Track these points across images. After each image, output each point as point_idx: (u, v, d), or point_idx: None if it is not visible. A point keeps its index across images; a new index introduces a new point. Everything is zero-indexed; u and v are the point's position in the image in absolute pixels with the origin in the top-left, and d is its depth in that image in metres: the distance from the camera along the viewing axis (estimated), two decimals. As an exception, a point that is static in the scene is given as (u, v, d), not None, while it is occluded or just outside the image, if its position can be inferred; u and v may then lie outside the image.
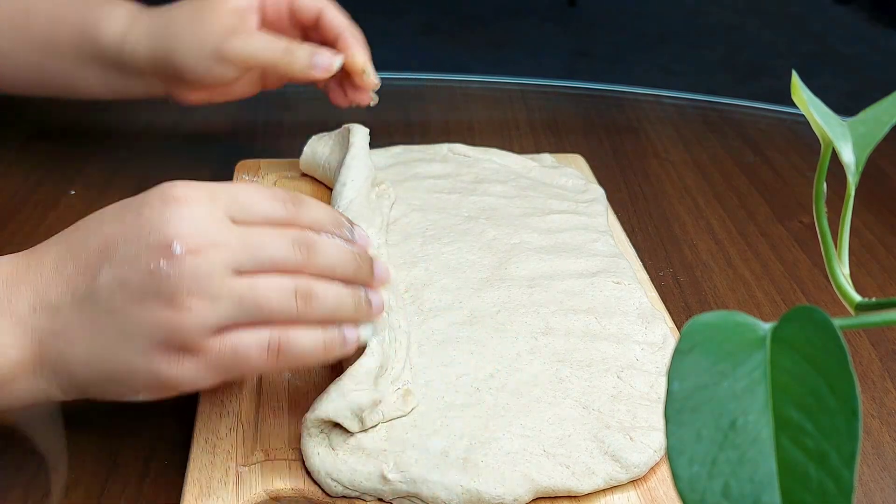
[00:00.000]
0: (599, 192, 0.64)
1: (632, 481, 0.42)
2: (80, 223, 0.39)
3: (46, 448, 0.46)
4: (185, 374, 0.37)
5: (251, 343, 0.37)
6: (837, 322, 0.23)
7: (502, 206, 0.60)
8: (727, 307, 0.58)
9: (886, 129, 0.31)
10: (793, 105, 0.32)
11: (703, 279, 0.61)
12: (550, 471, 0.41)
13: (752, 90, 0.96)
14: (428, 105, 0.86)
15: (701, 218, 0.69)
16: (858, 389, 0.21)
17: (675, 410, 0.22)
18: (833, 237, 0.30)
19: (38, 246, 0.40)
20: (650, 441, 0.42)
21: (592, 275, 0.53)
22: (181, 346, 0.36)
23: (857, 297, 0.28)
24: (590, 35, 2.61)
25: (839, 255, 0.29)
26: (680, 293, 0.59)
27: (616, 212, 0.65)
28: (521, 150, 0.69)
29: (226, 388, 0.47)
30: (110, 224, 0.38)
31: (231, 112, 0.87)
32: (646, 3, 2.89)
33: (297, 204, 0.40)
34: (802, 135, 0.83)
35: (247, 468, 0.42)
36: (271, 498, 0.41)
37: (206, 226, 0.37)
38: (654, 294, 0.55)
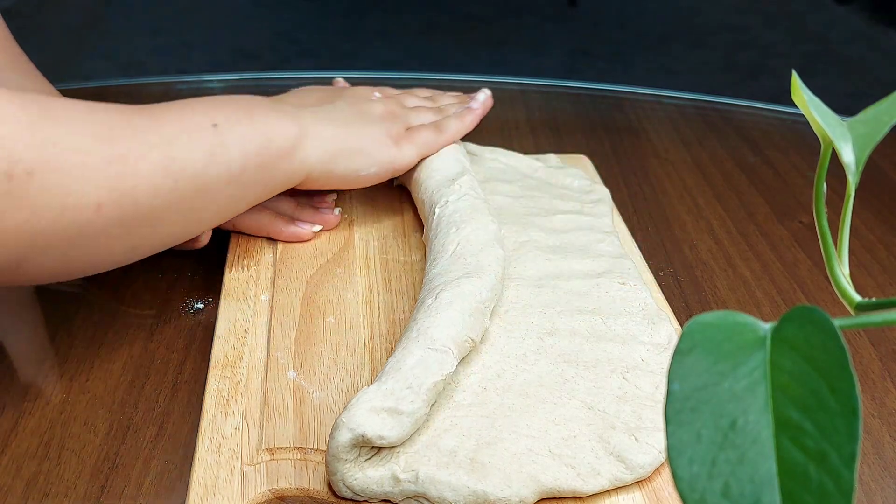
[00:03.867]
0: (605, 193, 0.64)
1: (637, 482, 0.42)
2: (292, 92, 0.63)
3: (47, 447, 0.46)
4: (404, 150, 0.59)
5: (428, 128, 0.62)
6: (837, 322, 0.23)
7: (508, 206, 0.60)
8: (727, 307, 0.58)
9: (886, 129, 0.31)
10: (793, 105, 0.32)
11: (703, 279, 0.61)
12: (556, 472, 0.41)
13: (752, 90, 0.96)
14: (428, 105, 0.86)
15: (701, 218, 0.69)
16: (859, 389, 0.21)
17: (675, 411, 0.22)
18: (833, 237, 0.30)
19: (267, 98, 0.57)
20: (655, 442, 0.42)
21: (598, 275, 0.54)
22: (397, 136, 0.59)
23: (857, 297, 0.28)
24: (590, 35, 2.62)
25: (839, 255, 0.29)
26: (680, 293, 0.59)
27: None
28: (522, 150, 0.69)
29: (231, 388, 0.47)
30: (319, 93, 0.63)
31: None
32: (646, 3, 2.89)
33: (435, 98, 0.69)
34: (802, 135, 0.83)
35: (252, 468, 0.42)
36: (276, 497, 0.41)
37: (381, 94, 0.66)
38: (659, 295, 0.55)
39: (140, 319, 0.55)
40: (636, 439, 0.42)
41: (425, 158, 0.61)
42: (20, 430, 0.47)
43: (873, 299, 0.27)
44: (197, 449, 0.43)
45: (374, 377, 0.47)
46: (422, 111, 0.64)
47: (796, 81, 0.31)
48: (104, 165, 0.44)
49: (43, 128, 0.42)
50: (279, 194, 0.62)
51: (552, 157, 0.69)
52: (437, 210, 0.56)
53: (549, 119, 0.85)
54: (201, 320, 0.55)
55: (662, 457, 0.42)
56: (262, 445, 0.43)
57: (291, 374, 0.48)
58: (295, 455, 0.43)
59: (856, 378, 0.21)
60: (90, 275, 0.50)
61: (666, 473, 0.42)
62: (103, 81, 0.93)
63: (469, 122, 0.64)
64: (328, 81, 0.94)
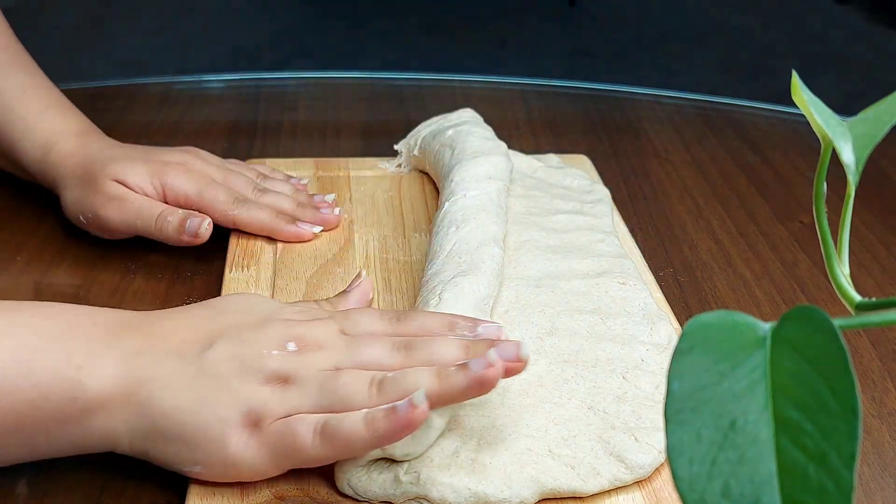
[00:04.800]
0: (605, 193, 0.64)
1: (637, 482, 0.42)
2: (209, 302, 0.44)
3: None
4: (249, 451, 0.39)
5: (302, 425, 0.39)
6: (837, 322, 0.23)
7: (509, 205, 0.60)
8: (727, 307, 0.58)
9: (886, 129, 0.31)
10: (793, 105, 0.32)
11: (703, 279, 0.61)
12: (556, 472, 0.41)
13: (752, 90, 0.96)
14: (428, 105, 0.86)
15: (701, 218, 0.69)
16: (858, 389, 0.21)
17: (674, 410, 0.22)
18: (833, 237, 0.30)
19: (164, 311, 0.44)
20: (655, 442, 0.42)
21: (598, 275, 0.54)
22: (256, 422, 0.39)
23: (857, 297, 0.28)
24: (590, 35, 2.61)
25: (839, 255, 0.29)
26: (680, 293, 0.59)
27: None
28: (522, 150, 0.69)
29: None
30: (238, 314, 0.43)
31: (231, 112, 0.87)
32: (646, 3, 2.89)
33: (403, 319, 0.44)
34: (802, 135, 0.83)
35: (248, 468, 0.42)
36: (276, 497, 0.41)
37: (321, 335, 0.42)
38: (659, 295, 0.55)
39: (140, 319, 0.55)
40: (636, 439, 0.42)
41: (457, 146, 0.59)
42: (20, 430, 0.47)
43: (873, 299, 0.27)
44: (197, 449, 0.43)
45: (374, 377, 0.47)
46: (350, 380, 0.40)
47: (796, 81, 0.31)
48: None
49: None
50: (279, 192, 0.62)
51: (552, 157, 0.69)
52: (446, 205, 0.56)
53: (549, 119, 0.85)
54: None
55: (662, 457, 0.42)
56: (262, 445, 0.43)
57: (291, 373, 0.48)
58: (295, 455, 0.43)
59: (856, 378, 0.21)
60: None
61: (666, 473, 0.42)
62: (103, 81, 0.93)
63: (393, 423, 0.38)
64: (328, 81, 0.94)
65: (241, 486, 0.41)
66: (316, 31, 2.55)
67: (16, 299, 0.58)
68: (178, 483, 0.43)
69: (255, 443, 0.39)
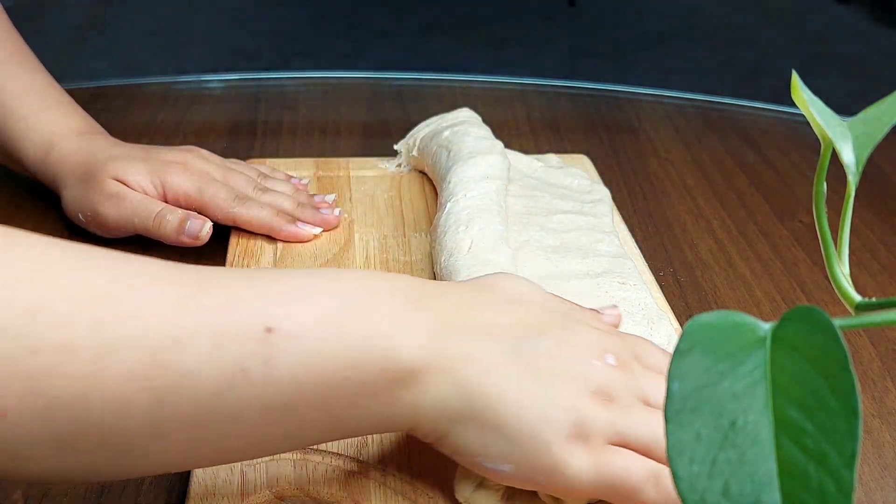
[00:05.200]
0: (605, 193, 0.64)
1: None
2: (494, 281, 0.41)
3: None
4: (575, 462, 0.36)
5: (640, 467, 0.36)
6: (837, 322, 0.23)
7: (509, 205, 0.60)
8: (727, 307, 0.58)
9: (886, 129, 0.31)
10: (793, 105, 0.32)
11: (703, 279, 0.61)
12: None
13: (752, 90, 0.96)
14: (428, 105, 0.86)
15: (701, 218, 0.69)
16: (859, 389, 0.21)
17: (675, 410, 0.22)
18: (833, 237, 0.30)
19: (452, 285, 0.42)
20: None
21: (598, 275, 0.54)
22: (585, 436, 0.36)
23: (858, 297, 0.28)
24: (590, 35, 2.62)
25: (839, 254, 0.29)
26: (680, 293, 0.59)
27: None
28: (521, 150, 0.69)
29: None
30: (540, 306, 0.40)
31: (231, 112, 0.87)
32: (646, 3, 2.89)
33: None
34: (802, 135, 0.83)
35: (252, 468, 0.42)
36: (276, 497, 0.41)
37: (628, 356, 0.39)
38: (659, 295, 0.55)
39: (140, 319, 0.55)
40: (636, 439, 0.42)
41: (455, 149, 0.58)
42: (20, 430, 0.47)
43: (873, 299, 0.27)
44: (197, 449, 0.43)
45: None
46: (647, 422, 0.37)
47: (796, 81, 0.31)
48: (25, 357, 0.29)
49: None
50: (279, 191, 0.62)
51: (552, 157, 0.69)
52: (447, 205, 0.56)
53: (549, 119, 0.85)
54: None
55: (662, 457, 0.42)
56: (262, 445, 0.43)
57: (291, 373, 0.48)
58: (295, 455, 0.43)
59: (856, 378, 0.21)
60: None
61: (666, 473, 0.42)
62: (103, 81, 0.93)
63: None
64: (328, 81, 0.94)
65: (242, 485, 0.41)
66: (316, 31, 2.55)
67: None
68: (178, 483, 0.44)
69: (587, 460, 0.36)
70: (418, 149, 0.66)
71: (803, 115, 0.32)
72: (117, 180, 0.58)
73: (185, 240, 0.58)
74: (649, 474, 0.36)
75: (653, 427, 0.37)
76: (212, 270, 0.34)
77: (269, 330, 0.32)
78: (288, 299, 0.34)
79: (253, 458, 0.39)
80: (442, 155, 0.62)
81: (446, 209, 0.55)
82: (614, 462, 0.36)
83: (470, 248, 0.51)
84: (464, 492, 0.39)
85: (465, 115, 0.68)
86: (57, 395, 0.29)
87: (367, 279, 0.37)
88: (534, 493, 0.39)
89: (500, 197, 0.57)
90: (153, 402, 0.31)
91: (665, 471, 0.36)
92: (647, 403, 0.38)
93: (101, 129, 0.64)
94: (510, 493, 0.39)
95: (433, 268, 0.55)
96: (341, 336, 0.34)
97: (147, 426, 0.31)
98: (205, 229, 0.58)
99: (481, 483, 0.39)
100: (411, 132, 0.68)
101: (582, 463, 0.36)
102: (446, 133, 0.64)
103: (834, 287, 0.29)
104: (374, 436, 0.44)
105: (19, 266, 0.30)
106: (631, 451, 0.37)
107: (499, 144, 0.63)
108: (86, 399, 0.30)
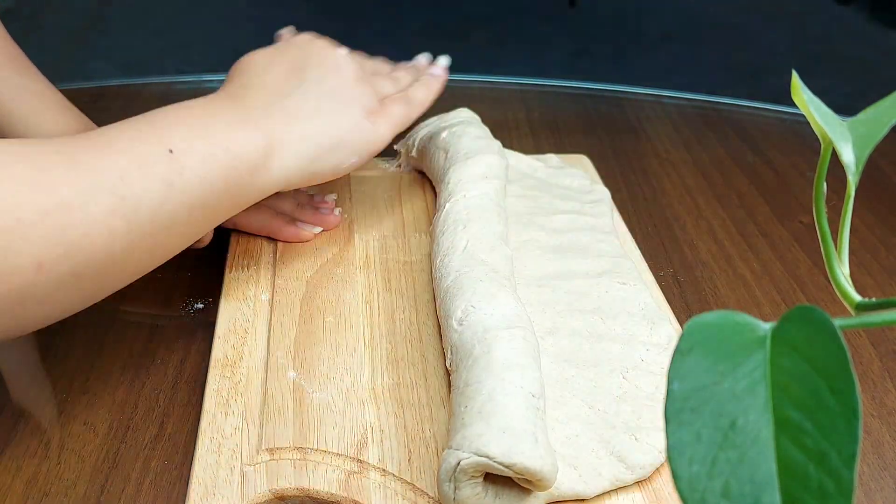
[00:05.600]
0: (605, 193, 0.64)
1: (637, 482, 0.42)
2: (256, 57, 0.55)
3: (46, 447, 0.46)
4: (379, 129, 0.54)
5: (399, 106, 0.57)
6: (838, 322, 0.23)
7: (509, 205, 0.60)
8: (727, 307, 0.58)
9: (886, 129, 0.31)
10: (793, 105, 0.32)
11: (703, 279, 0.61)
12: (561, 476, 0.41)
13: (752, 90, 0.96)
14: (428, 105, 0.86)
15: (701, 218, 0.69)
16: (859, 389, 0.21)
17: (674, 410, 0.22)
18: (833, 237, 0.30)
19: (233, 80, 0.54)
20: (655, 442, 0.42)
21: (598, 275, 0.54)
22: (371, 110, 0.54)
23: (858, 297, 0.28)
24: (590, 35, 2.61)
25: (839, 254, 0.29)
26: (680, 293, 0.59)
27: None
28: (521, 150, 0.69)
29: (231, 388, 0.47)
30: (294, 48, 0.56)
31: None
32: (646, 3, 2.89)
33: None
34: (802, 135, 0.83)
35: (252, 467, 0.42)
36: (276, 497, 0.41)
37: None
38: (659, 295, 0.55)
39: (140, 319, 0.55)
40: (636, 439, 0.42)
41: (453, 149, 0.60)
42: (20, 430, 0.47)
43: (873, 299, 0.27)
44: (197, 449, 0.43)
45: (373, 377, 0.47)
46: (382, 78, 0.59)
47: (796, 81, 0.31)
48: (39, 218, 0.39)
49: None
50: (279, 193, 0.62)
51: (552, 157, 0.69)
52: (447, 205, 0.56)
53: (549, 119, 0.85)
54: (201, 320, 0.55)
55: (662, 457, 0.42)
56: (262, 445, 0.43)
57: (291, 374, 0.48)
58: (295, 455, 0.43)
59: (856, 378, 0.21)
60: (52, 322, 0.44)
61: (666, 473, 0.42)
62: (103, 81, 0.93)
63: (435, 89, 0.62)
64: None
65: (242, 485, 0.41)
66: (316, 31, 2.55)
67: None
68: (178, 483, 0.44)
69: (381, 122, 0.55)
70: (417, 149, 0.66)
71: (803, 115, 0.32)
72: None
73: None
74: (403, 102, 0.57)
75: (392, 81, 0.60)
76: (101, 129, 0.45)
77: (170, 151, 0.45)
78: (169, 128, 0.46)
79: (186, 247, 0.49)
80: (440, 156, 0.62)
81: (445, 209, 0.55)
82: (391, 110, 0.56)
83: (465, 248, 0.51)
84: (447, 492, 0.39)
85: (464, 115, 0.68)
86: (70, 239, 0.40)
87: (182, 114, 0.48)
88: (511, 480, 0.39)
89: (499, 196, 0.57)
90: (126, 225, 0.42)
91: (407, 91, 0.59)
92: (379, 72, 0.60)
93: None
94: (491, 479, 0.39)
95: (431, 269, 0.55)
96: (215, 141, 0.47)
97: (127, 245, 0.43)
98: (206, 235, 0.58)
99: (463, 477, 0.39)
100: (411, 132, 0.68)
101: (381, 126, 0.55)
102: (444, 134, 0.64)
103: (834, 287, 0.29)
104: (374, 436, 0.44)
105: (18, 167, 0.40)
106: (390, 98, 0.57)
107: (496, 144, 0.62)
108: (88, 237, 0.41)
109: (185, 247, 0.49)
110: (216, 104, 0.50)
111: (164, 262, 0.48)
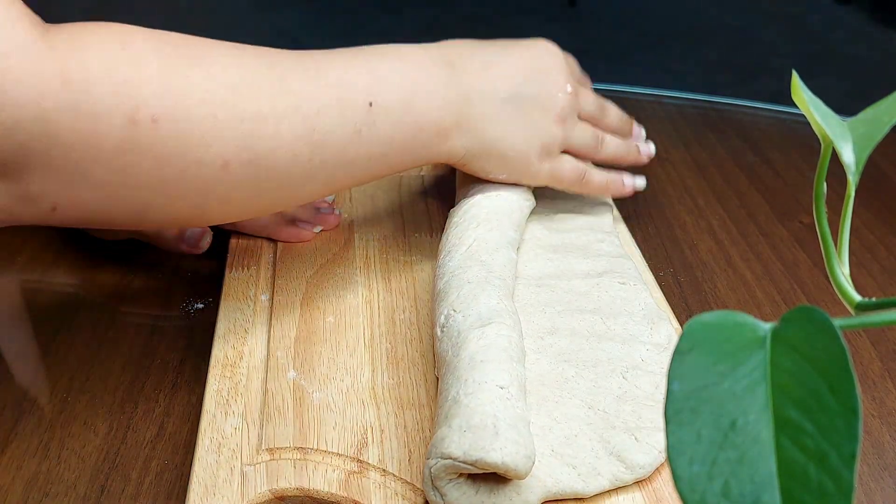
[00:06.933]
0: (604, 193, 0.64)
1: (637, 482, 0.42)
2: (505, 44, 0.57)
3: (46, 447, 0.46)
4: (542, 171, 0.56)
5: (570, 168, 0.58)
6: (838, 322, 0.23)
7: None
8: (727, 307, 0.58)
9: (886, 129, 0.31)
10: (793, 105, 0.32)
11: (703, 279, 0.61)
12: (559, 474, 0.41)
13: (752, 90, 0.96)
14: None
15: (701, 218, 0.69)
16: (859, 389, 0.21)
17: (675, 411, 0.22)
18: (833, 237, 0.30)
19: (446, 47, 0.55)
20: (655, 442, 0.42)
21: (598, 275, 0.54)
22: (548, 151, 0.56)
23: (858, 297, 0.28)
24: (590, 34, 2.61)
25: (839, 255, 0.29)
26: (680, 293, 0.59)
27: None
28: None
29: (231, 388, 0.47)
30: (532, 60, 0.56)
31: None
32: (646, 3, 2.89)
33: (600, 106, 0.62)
34: (802, 135, 0.83)
35: (252, 467, 0.42)
36: (276, 497, 0.41)
37: (575, 83, 0.58)
38: (659, 295, 0.55)
39: (140, 319, 0.55)
40: (636, 439, 0.42)
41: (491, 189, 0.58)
42: (20, 430, 0.47)
43: (873, 299, 0.27)
44: (197, 449, 0.43)
45: (373, 377, 0.47)
46: (586, 128, 0.59)
47: (796, 81, 0.31)
48: (237, 123, 0.42)
49: (176, 73, 0.41)
50: None
51: (552, 157, 0.69)
52: (472, 200, 0.56)
53: (549, 119, 0.85)
54: (201, 320, 0.55)
55: (662, 457, 0.42)
56: (262, 445, 0.43)
57: (291, 374, 0.48)
58: (295, 455, 0.43)
59: (856, 378, 0.21)
60: (229, 222, 0.52)
61: (666, 473, 0.42)
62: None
63: (616, 183, 0.61)
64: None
65: (242, 485, 0.41)
66: (316, 31, 2.55)
67: (15, 299, 0.59)
68: (178, 483, 0.44)
69: (547, 166, 0.56)
70: None
71: (803, 115, 0.32)
72: None
73: (185, 248, 0.58)
74: (578, 174, 0.58)
75: (586, 135, 0.58)
76: (319, 56, 0.48)
77: (371, 104, 0.48)
78: (380, 82, 0.49)
79: (352, 187, 0.57)
80: None
81: (469, 203, 0.55)
82: (560, 165, 0.57)
83: (469, 247, 0.51)
84: (435, 499, 0.39)
85: None
86: (257, 149, 0.43)
87: (420, 56, 0.52)
88: (496, 476, 0.39)
89: (521, 210, 0.56)
90: (310, 153, 0.46)
91: (589, 170, 0.59)
92: (580, 113, 0.58)
93: None
94: (482, 478, 0.39)
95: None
96: (412, 109, 0.50)
97: (306, 171, 0.46)
98: (205, 239, 0.58)
99: (441, 482, 0.39)
100: None
101: (545, 169, 0.56)
102: None
103: (834, 287, 0.29)
104: (374, 436, 0.44)
105: (225, 65, 0.43)
106: (570, 157, 0.58)
107: None
108: (274, 152, 0.44)
109: (363, 183, 0.52)
110: (436, 69, 0.52)
111: (339, 192, 0.55)
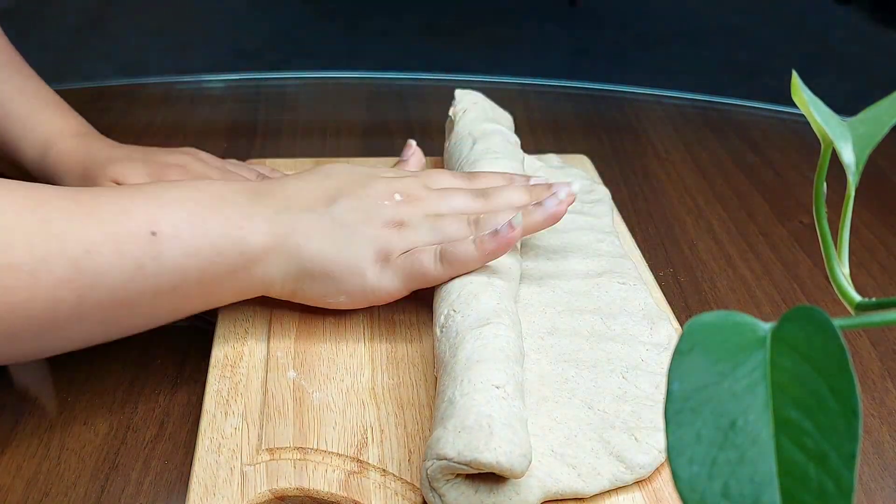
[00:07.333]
0: (605, 193, 0.64)
1: (637, 482, 0.42)
2: (314, 169, 0.52)
3: (46, 447, 0.46)
4: (385, 279, 0.48)
5: (425, 253, 0.48)
6: (837, 322, 0.23)
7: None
8: (727, 307, 0.58)
9: (886, 129, 0.31)
10: (793, 105, 0.32)
11: (703, 279, 0.61)
12: (559, 474, 0.41)
13: (752, 90, 0.96)
14: (428, 105, 0.86)
15: (701, 218, 0.69)
16: (859, 389, 0.21)
17: (674, 411, 0.22)
18: (833, 237, 0.30)
19: (278, 178, 0.52)
20: (655, 442, 0.42)
21: (598, 275, 0.54)
22: (385, 257, 0.48)
23: (858, 297, 0.28)
24: (590, 35, 2.61)
25: (839, 255, 0.29)
26: (680, 293, 0.59)
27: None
28: (522, 150, 0.69)
29: (231, 388, 0.47)
30: (345, 175, 0.51)
31: (231, 112, 0.87)
32: (646, 3, 2.89)
33: (473, 177, 0.54)
34: (802, 135, 0.83)
35: (252, 467, 0.42)
36: (276, 497, 0.41)
37: (415, 189, 0.51)
38: (658, 294, 0.55)
39: (140, 319, 0.55)
40: (636, 439, 0.42)
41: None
42: (20, 430, 0.47)
43: (873, 299, 0.27)
44: (197, 449, 0.43)
45: (373, 377, 0.47)
46: (447, 223, 0.50)
47: (796, 81, 0.31)
48: None
49: None
50: None
51: (552, 157, 0.69)
52: None
53: (549, 119, 0.85)
54: (201, 320, 0.55)
55: (662, 457, 0.42)
56: (262, 445, 0.43)
57: (291, 374, 0.48)
58: (295, 455, 0.43)
59: (856, 378, 0.21)
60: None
61: (666, 473, 0.42)
62: (103, 82, 0.93)
63: (505, 240, 0.48)
64: (328, 81, 0.94)
65: (242, 485, 0.41)
66: (316, 31, 2.55)
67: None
68: (178, 483, 0.44)
69: (389, 272, 0.48)
70: (458, 120, 0.65)
71: (803, 115, 0.32)
72: (116, 182, 0.58)
73: None
74: (433, 255, 0.48)
75: (435, 231, 0.49)
76: (100, 190, 0.45)
77: (154, 233, 0.43)
78: (164, 208, 0.44)
79: (144, 329, 0.47)
80: (466, 142, 0.62)
81: None
82: (406, 260, 0.48)
83: None
84: (434, 500, 0.39)
85: (505, 119, 0.67)
86: (8, 302, 0.40)
87: (218, 187, 0.48)
88: (495, 475, 0.39)
89: None
90: (77, 297, 0.41)
91: (445, 246, 0.48)
92: (438, 215, 0.50)
93: (97, 132, 0.64)
94: (482, 478, 0.39)
95: None
96: (207, 232, 0.45)
97: (73, 315, 0.42)
98: None
99: (438, 483, 0.39)
100: (458, 103, 0.66)
101: (387, 276, 0.48)
102: (485, 125, 0.63)
103: (834, 287, 0.29)
104: (374, 436, 0.44)
105: None
106: (418, 248, 0.48)
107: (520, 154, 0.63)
108: (30, 302, 0.40)
109: (149, 328, 0.47)
110: (235, 194, 0.47)
111: (121, 337, 0.46)
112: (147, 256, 0.43)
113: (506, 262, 0.50)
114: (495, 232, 0.47)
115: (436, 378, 0.46)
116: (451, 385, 0.41)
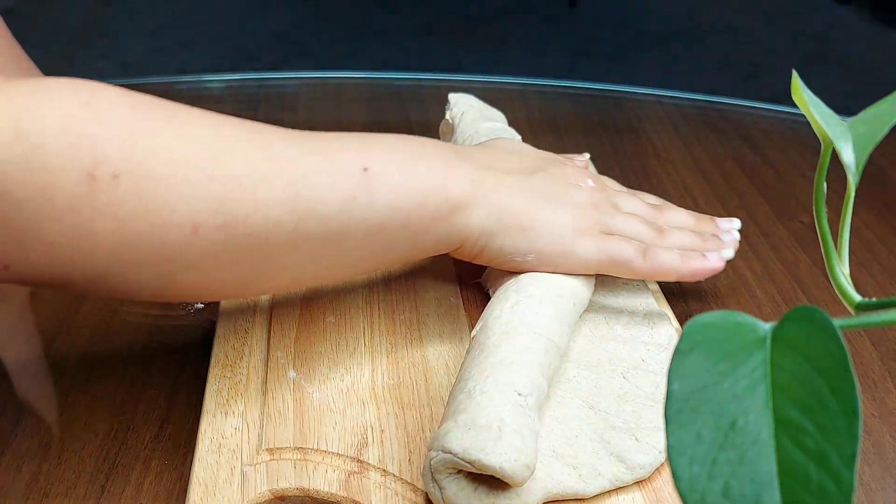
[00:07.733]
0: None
1: (637, 482, 0.42)
2: (495, 142, 0.54)
3: (46, 447, 0.46)
4: (582, 246, 0.48)
5: (631, 245, 0.49)
6: (838, 322, 0.23)
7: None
8: (727, 307, 0.58)
9: (886, 129, 0.31)
10: (793, 105, 0.32)
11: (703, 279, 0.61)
12: (560, 475, 0.41)
13: (752, 90, 0.96)
14: (428, 105, 0.86)
15: (701, 218, 0.69)
16: (859, 389, 0.21)
17: (675, 411, 0.22)
18: (833, 237, 0.30)
19: (474, 148, 0.52)
20: (655, 442, 0.42)
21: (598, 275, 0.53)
22: (585, 230, 0.49)
23: (858, 297, 0.28)
24: (590, 35, 2.62)
25: (839, 254, 0.30)
26: (680, 293, 0.59)
27: (616, 212, 0.65)
28: (522, 150, 0.69)
29: (231, 388, 0.47)
30: (535, 154, 0.53)
31: (231, 112, 0.87)
32: (646, 3, 2.89)
33: (659, 210, 0.55)
34: (802, 135, 0.83)
35: (252, 468, 0.42)
36: (276, 497, 0.41)
37: (601, 181, 0.54)
38: (659, 295, 0.55)
39: (140, 319, 0.55)
40: (636, 439, 0.42)
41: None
42: (20, 430, 0.47)
43: (873, 299, 0.27)
44: (197, 449, 0.43)
45: (373, 377, 0.47)
46: (635, 221, 0.51)
47: (796, 81, 0.31)
48: (206, 183, 0.39)
49: (143, 130, 0.39)
50: None
51: (552, 157, 0.69)
52: None
53: (549, 119, 0.85)
54: (201, 320, 0.55)
55: (662, 457, 0.42)
56: (262, 445, 0.43)
57: (291, 374, 0.48)
58: (295, 455, 0.43)
59: (856, 378, 0.21)
60: (203, 301, 0.46)
61: (666, 473, 0.42)
62: (103, 82, 0.93)
63: (698, 267, 0.50)
64: (328, 81, 0.94)
65: (242, 485, 0.41)
66: (316, 31, 2.55)
67: (16, 299, 0.59)
68: (178, 483, 0.44)
69: (590, 243, 0.48)
70: (456, 120, 0.64)
71: (803, 115, 0.32)
72: None
73: None
74: (637, 249, 0.49)
75: (629, 225, 0.50)
76: (309, 133, 0.45)
77: (365, 170, 0.44)
78: (374, 150, 0.45)
79: (352, 276, 0.51)
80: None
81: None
82: (611, 242, 0.49)
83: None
84: (432, 490, 0.39)
85: (499, 117, 0.67)
86: (232, 213, 0.40)
87: (422, 140, 0.48)
88: (494, 478, 0.39)
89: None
90: (294, 221, 0.41)
91: (650, 247, 0.50)
92: (626, 212, 0.51)
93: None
94: (483, 477, 0.39)
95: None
96: (415, 175, 0.45)
97: (289, 241, 0.42)
98: None
99: (440, 475, 0.39)
100: (454, 104, 0.66)
101: (588, 246, 0.48)
102: (486, 125, 0.63)
103: (834, 287, 0.29)
104: (374, 436, 0.44)
105: (199, 125, 0.42)
106: (623, 238, 0.49)
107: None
108: (250, 218, 0.40)
109: (354, 275, 0.48)
110: (436, 148, 0.48)
111: (330, 281, 0.49)
112: (359, 190, 0.43)
113: (587, 295, 0.50)
114: (705, 255, 0.51)
115: (471, 338, 0.46)
116: (476, 376, 0.41)
